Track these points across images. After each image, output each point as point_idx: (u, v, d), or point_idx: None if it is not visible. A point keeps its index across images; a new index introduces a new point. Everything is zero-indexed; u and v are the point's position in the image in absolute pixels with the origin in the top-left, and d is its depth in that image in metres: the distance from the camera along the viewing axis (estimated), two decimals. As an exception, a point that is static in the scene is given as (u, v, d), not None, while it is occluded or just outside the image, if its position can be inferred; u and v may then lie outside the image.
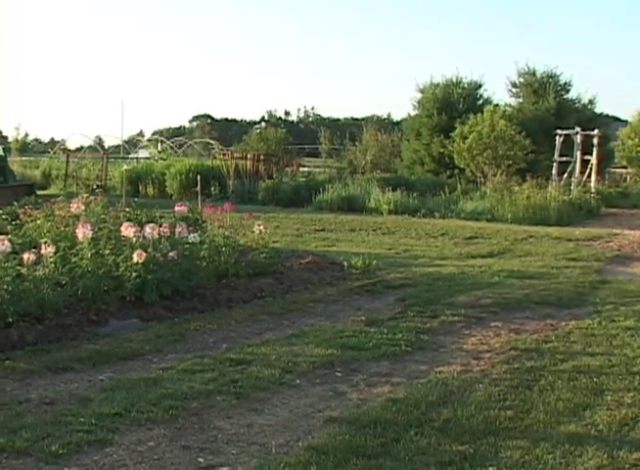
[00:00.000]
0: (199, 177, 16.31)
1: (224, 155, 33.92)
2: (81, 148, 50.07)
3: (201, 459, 5.37)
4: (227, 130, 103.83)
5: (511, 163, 31.77)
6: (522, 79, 45.47)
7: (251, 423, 6.06)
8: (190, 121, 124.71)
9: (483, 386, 7.09)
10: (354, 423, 6.03)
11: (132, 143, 67.77)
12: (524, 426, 6.11)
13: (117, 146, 64.19)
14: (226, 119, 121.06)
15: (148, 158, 44.62)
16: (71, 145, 55.86)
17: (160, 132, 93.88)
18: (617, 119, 57.27)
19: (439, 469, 5.22)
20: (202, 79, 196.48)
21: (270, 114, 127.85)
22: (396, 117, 75.48)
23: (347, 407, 6.48)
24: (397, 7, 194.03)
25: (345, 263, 13.42)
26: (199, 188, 15.45)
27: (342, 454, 5.39)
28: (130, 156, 51.36)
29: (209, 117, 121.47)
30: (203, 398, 6.54)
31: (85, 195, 13.19)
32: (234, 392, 6.71)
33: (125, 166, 33.35)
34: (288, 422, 6.13)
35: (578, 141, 33.03)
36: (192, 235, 11.04)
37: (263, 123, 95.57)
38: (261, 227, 12.83)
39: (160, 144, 48.75)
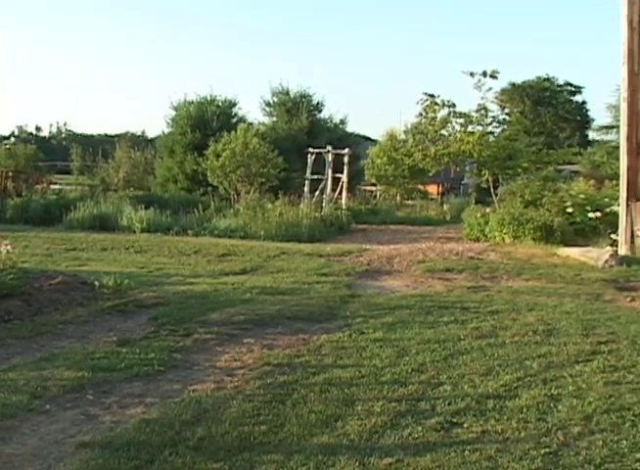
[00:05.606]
0: (-60, 195, 15.54)
1: (-31, 171, 32.56)
2: None
3: (-58, 494, 5.09)
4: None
5: (264, 180, 32.34)
6: (275, 99, 46.71)
7: (-2, 453, 5.81)
8: None
9: (237, 402, 7.13)
10: (107, 447, 5.90)
11: None
12: (278, 440, 6.18)
13: None
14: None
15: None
16: None
17: None
18: (368, 139, 59.86)
19: (193, 488, 5.21)
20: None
21: (20, 129, 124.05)
22: (151, 135, 75.07)
23: (100, 431, 6.33)
24: (154, 23, 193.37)
25: (97, 283, 13.12)
26: (-60, 207, 14.71)
27: (93, 479, 5.27)
28: None
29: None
30: (-56, 429, 6.20)
31: None
32: (-22, 421, 6.41)
33: None
34: (38, 450, 5.91)
35: (330, 159, 34.13)
36: None
37: (13, 139, 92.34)
38: (9, 247, 12.34)
39: None
